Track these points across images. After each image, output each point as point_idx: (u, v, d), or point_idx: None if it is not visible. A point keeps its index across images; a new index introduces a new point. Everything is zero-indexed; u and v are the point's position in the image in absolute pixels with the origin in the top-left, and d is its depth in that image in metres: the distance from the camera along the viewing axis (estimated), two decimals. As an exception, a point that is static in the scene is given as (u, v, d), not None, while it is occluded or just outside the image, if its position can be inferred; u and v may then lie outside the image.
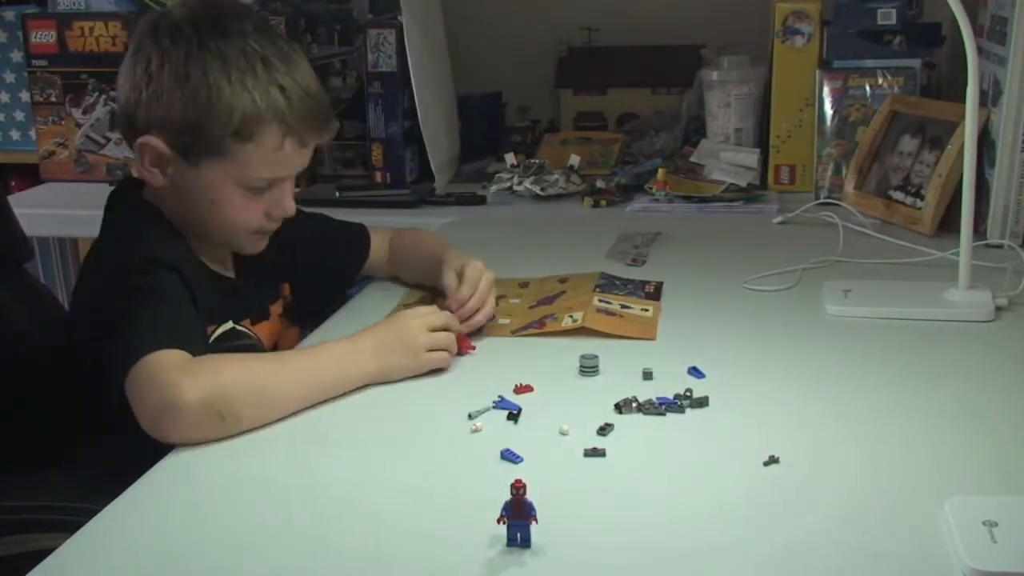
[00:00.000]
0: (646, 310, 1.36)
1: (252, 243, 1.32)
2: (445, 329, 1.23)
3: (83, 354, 1.25)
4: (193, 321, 1.17)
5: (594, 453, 1.00)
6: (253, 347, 1.32)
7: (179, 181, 1.23)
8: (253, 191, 1.25)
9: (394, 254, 1.54)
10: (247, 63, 1.20)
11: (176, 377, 1.04)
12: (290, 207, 1.29)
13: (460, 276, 1.34)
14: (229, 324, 1.30)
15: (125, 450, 1.22)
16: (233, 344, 1.29)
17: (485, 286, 1.33)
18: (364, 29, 2.09)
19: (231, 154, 1.21)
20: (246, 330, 1.33)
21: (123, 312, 1.11)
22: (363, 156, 2.16)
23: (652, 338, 1.28)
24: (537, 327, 1.32)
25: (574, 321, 1.30)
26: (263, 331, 1.36)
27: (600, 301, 1.36)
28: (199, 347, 1.12)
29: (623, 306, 1.36)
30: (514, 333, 1.32)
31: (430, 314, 1.24)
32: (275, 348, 1.38)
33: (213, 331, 1.26)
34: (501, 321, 1.35)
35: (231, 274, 1.36)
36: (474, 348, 1.26)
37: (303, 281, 1.47)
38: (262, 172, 1.24)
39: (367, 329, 1.21)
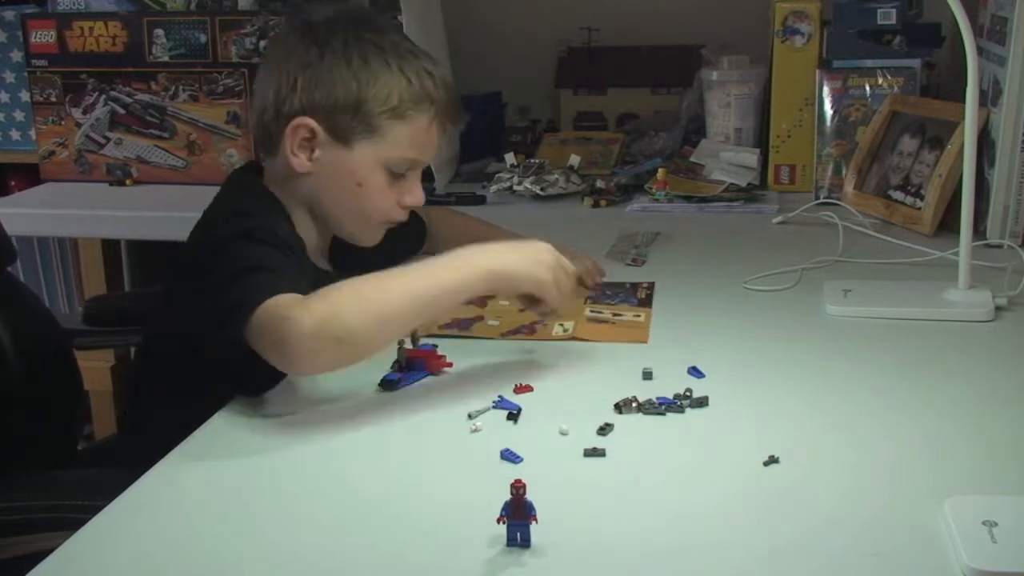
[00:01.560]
0: (638, 316, 1.35)
1: (376, 233, 1.37)
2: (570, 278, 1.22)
3: (185, 321, 1.26)
4: (305, 278, 1.17)
5: (594, 453, 1.00)
6: None
7: (326, 163, 1.30)
8: (395, 176, 1.32)
9: (434, 235, 1.58)
10: (401, 52, 1.31)
11: (290, 311, 1.07)
12: (420, 197, 1.36)
13: None
14: None
15: (125, 451, 1.23)
16: None
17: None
18: (364, 29, 2.09)
19: (385, 133, 1.29)
20: None
21: (236, 271, 1.14)
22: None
23: (644, 342, 1.28)
24: (527, 332, 1.31)
25: (565, 331, 1.30)
26: None
27: (591, 311, 1.36)
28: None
29: (615, 314, 1.36)
30: (503, 336, 1.31)
31: (563, 257, 1.22)
32: None
33: None
34: (490, 322, 1.35)
35: (328, 268, 1.39)
36: (451, 365, 1.23)
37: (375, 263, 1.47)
38: (409, 152, 1.31)
39: (505, 256, 1.20)
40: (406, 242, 1.52)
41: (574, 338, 1.28)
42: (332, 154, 1.29)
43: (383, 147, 1.30)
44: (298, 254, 1.25)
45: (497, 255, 1.18)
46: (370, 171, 1.31)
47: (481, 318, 1.36)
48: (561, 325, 1.31)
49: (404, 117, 1.30)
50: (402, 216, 1.37)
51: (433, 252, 1.48)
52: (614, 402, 1.09)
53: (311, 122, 1.28)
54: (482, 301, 1.41)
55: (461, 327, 1.33)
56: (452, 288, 1.15)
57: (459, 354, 1.25)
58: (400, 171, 1.32)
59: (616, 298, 1.42)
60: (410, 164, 1.33)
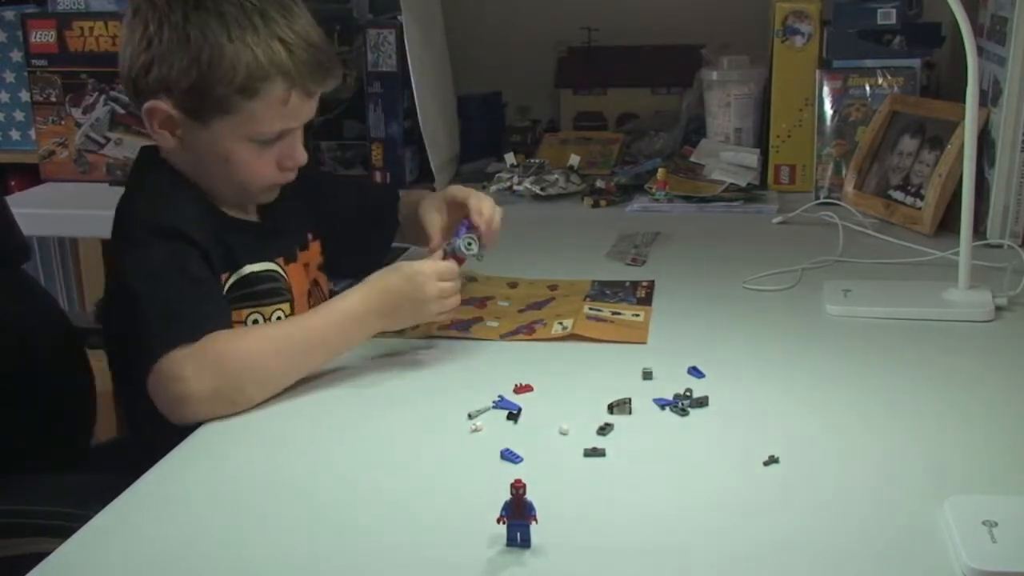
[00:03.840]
0: (637, 315, 1.35)
1: (266, 195, 1.33)
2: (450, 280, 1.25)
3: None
4: (200, 293, 1.19)
5: (594, 453, 1.00)
6: (280, 291, 1.32)
7: (190, 141, 1.25)
8: (263, 144, 1.26)
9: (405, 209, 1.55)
10: (246, 18, 1.21)
11: (186, 371, 1.10)
12: (301, 156, 1.30)
13: (442, 209, 1.40)
14: (265, 264, 1.31)
15: (124, 454, 1.23)
16: (261, 287, 1.30)
17: (476, 199, 1.37)
18: (364, 29, 2.09)
19: (238, 111, 1.22)
20: (279, 270, 1.33)
21: (138, 308, 1.15)
22: (363, 156, 2.16)
23: (643, 341, 1.28)
24: (526, 332, 1.31)
25: (564, 328, 1.30)
26: (293, 272, 1.36)
27: (591, 309, 1.36)
28: (209, 322, 1.15)
29: (614, 312, 1.36)
30: (503, 337, 1.31)
31: (438, 263, 1.26)
32: (307, 294, 1.38)
33: (239, 269, 1.28)
34: (490, 323, 1.34)
35: (254, 218, 1.36)
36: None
37: (336, 238, 1.46)
38: (270, 126, 1.25)
39: (376, 279, 1.24)
40: (383, 217, 1.52)
41: (573, 336, 1.28)
42: (192, 132, 1.24)
43: (240, 124, 1.23)
44: (203, 226, 1.23)
45: (387, 319, 1.23)
46: (232, 146, 1.24)
47: (480, 319, 1.36)
48: (560, 323, 1.31)
49: (255, 93, 1.21)
50: (287, 178, 1.31)
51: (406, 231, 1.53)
52: (608, 403, 1.09)
53: (163, 105, 1.22)
54: (482, 303, 1.41)
55: (460, 328, 1.33)
56: (340, 350, 1.21)
57: (459, 354, 1.25)
58: (270, 140, 1.26)
59: (615, 296, 1.42)
60: (277, 134, 1.26)
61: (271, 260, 1.32)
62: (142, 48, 1.22)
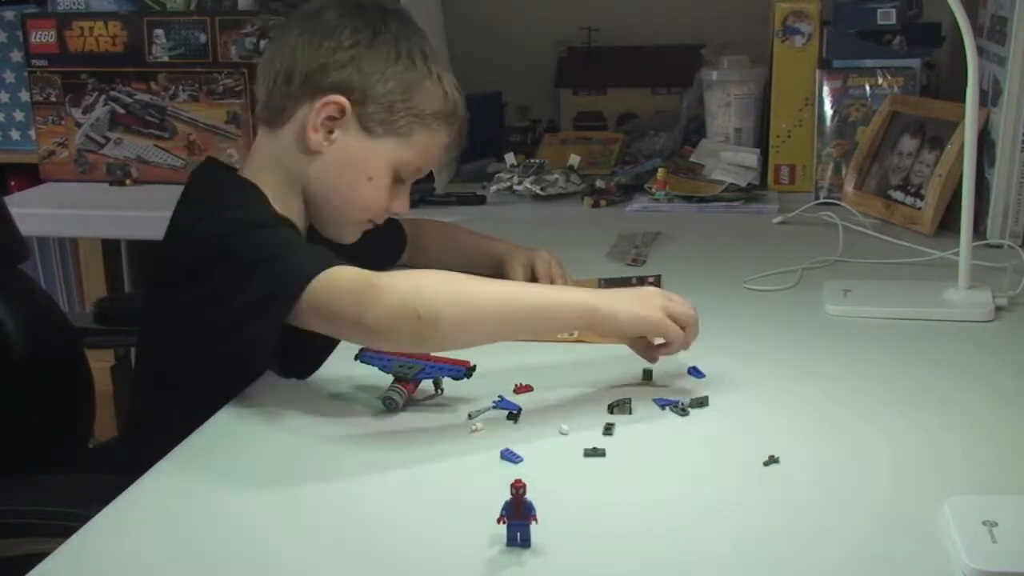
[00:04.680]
0: None
1: (356, 231, 1.33)
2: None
3: (184, 329, 1.23)
4: (332, 254, 1.13)
5: (594, 453, 1.00)
6: None
7: (342, 148, 1.25)
8: (397, 180, 1.30)
9: (416, 243, 1.54)
10: (439, 62, 1.30)
11: (371, 277, 1.06)
12: (406, 207, 1.34)
13: (530, 270, 1.41)
14: None
15: (124, 454, 1.22)
16: None
17: (561, 276, 1.40)
18: (364, 29, 2.09)
19: (410, 137, 1.27)
20: None
21: (255, 261, 1.10)
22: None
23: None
24: None
25: (570, 333, 1.29)
26: None
27: None
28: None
29: None
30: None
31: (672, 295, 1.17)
32: None
33: None
34: None
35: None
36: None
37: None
38: (421, 161, 1.31)
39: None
40: (381, 247, 1.47)
41: (580, 340, 1.28)
42: (352, 141, 1.26)
43: (403, 149, 1.27)
44: (297, 233, 1.23)
45: (604, 295, 1.15)
46: (383, 168, 1.28)
47: None
48: None
49: (430, 127, 1.28)
50: (382, 220, 1.34)
51: (414, 264, 1.49)
52: (608, 403, 1.09)
53: (345, 102, 1.24)
54: None
55: None
56: (547, 306, 1.12)
57: (459, 354, 1.25)
58: (406, 177, 1.31)
59: None
60: (413, 173, 1.32)
61: None
62: (342, 45, 1.24)
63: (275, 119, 1.27)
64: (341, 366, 1.23)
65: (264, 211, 1.22)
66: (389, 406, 1.10)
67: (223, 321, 1.11)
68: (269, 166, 1.28)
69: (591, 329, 1.15)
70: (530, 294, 1.16)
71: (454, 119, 1.30)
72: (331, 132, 1.25)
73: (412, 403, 1.12)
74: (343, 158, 1.26)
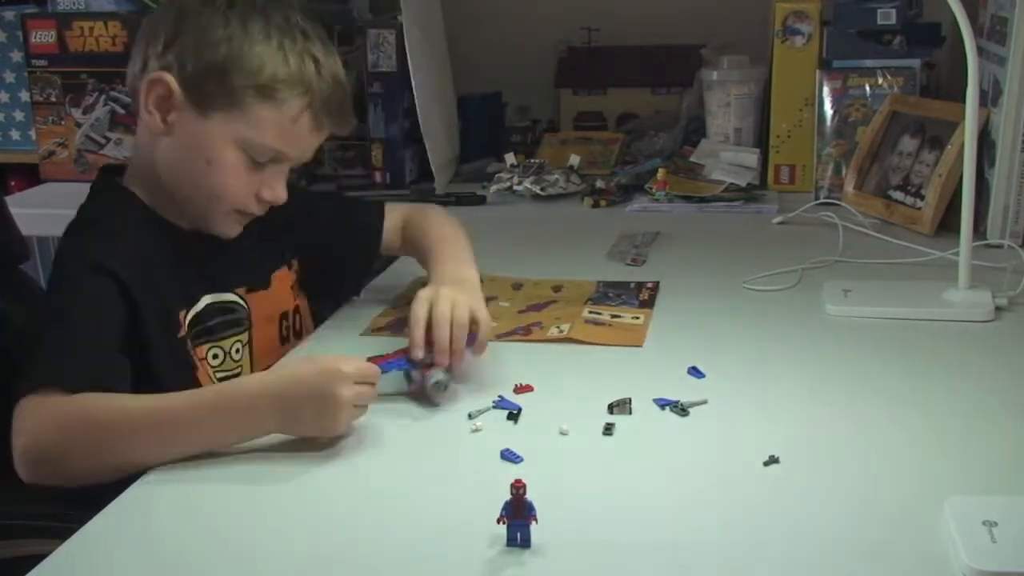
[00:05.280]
0: (637, 318, 1.35)
1: (228, 224, 1.25)
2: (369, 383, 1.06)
3: None
4: (100, 345, 1.10)
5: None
6: (238, 322, 1.28)
7: (180, 131, 1.18)
8: (252, 162, 1.20)
9: (405, 235, 1.47)
10: (288, 29, 1.19)
11: (25, 423, 1.02)
12: (281, 194, 1.24)
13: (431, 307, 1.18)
14: (223, 296, 1.26)
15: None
16: (219, 320, 1.25)
17: (444, 333, 1.15)
18: (364, 29, 2.09)
19: (245, 110, 1.17)
20: (239, 300, 1.28)
21: (39, 332, 1.11)
22: (363, 156, 2.16)
23: (639, 344, 1.27)
24: (523, 333, 1.31)
25: (560, 332, 1.29)
26: (260, 300, 1.31)
27: (590, 312, 1.36)
28: (99, 377, 1.06)
29: (613, 316, 1.35)
30: (499, 337, 1.30)
31: (361, 364, 1.07)
32: (278, 320, 1.34)
33: (194, 305, 1.23)
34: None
35: (231, 233, 1.28)
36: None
37: (316, 257, 1.41)
38: (270, 140, 1.19)
39: (286, 368, 1.14)
40: (353, 233, 1.44)
41: (569, 339, 1.28)
42: (187, 120, 1.17)
43: (241, 125, 1.17)
44: (148, 261, 1.18)
45: (285, 420, 1.03)
46: (222, 148, 1.18)
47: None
48: (557, 327, 1.31)
49: (271, 98, 1.17)
50: (258, 210, 1.24)
51: (408, 249, 1.45)
52: (608, 403, 1.09)
53: (168, 77, 1.16)
54: None
55: None
56: (211, 438, 1.03)
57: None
58: (260, 159, 1.20)
59: (618, 299, 1.41)
60: (272, 154, 1.20)
61: (230, 290, 1.28)
62: (172, 19, 1.18)
63: (136, 111, 1.22)
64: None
65: (101, 244, 1.17)
66: (440, 387, 1.12)
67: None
68: (136, 158, 1.26)
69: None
70: (193, 439, 1.03)
71: (302, 87, 1.18)
72: (168, 113, 1.18)
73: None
74: (183, 140, 1.19)
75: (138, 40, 1.23)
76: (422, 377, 1.13)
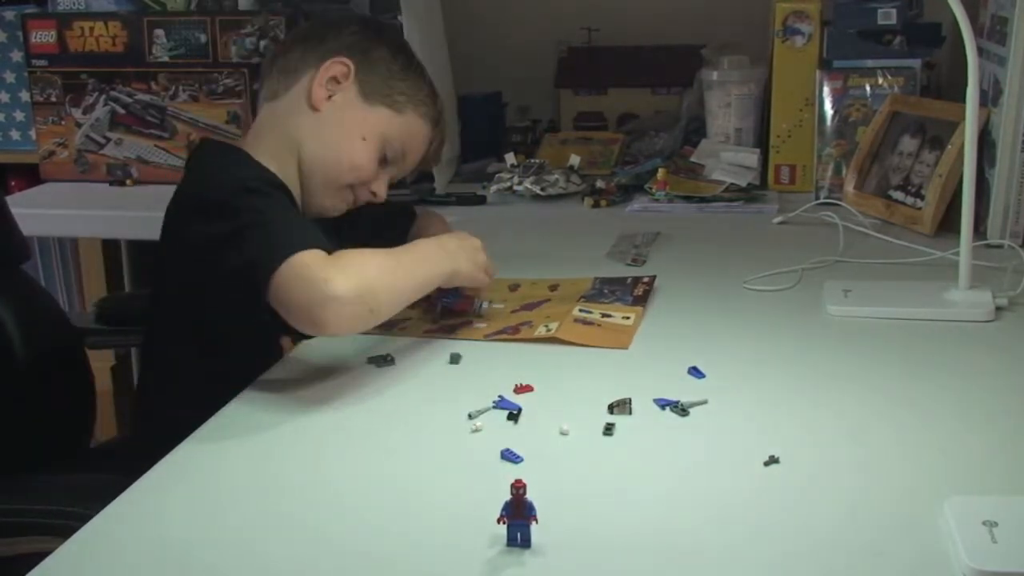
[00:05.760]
0: (627, 318, 1.33)
1: (339, 199, 1.40)
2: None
3: (179, 283, 1.31)
4: (317, 228, 1.22)
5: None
6: None
7: (339, 108, 1.36)
8: (383, 159, 1.39)
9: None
10: (428, 79, 1.46)
11: (328, 272, 1.12)
12: (383, 193, 1.42)
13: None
14: None
15: (124, 454, 1.22)
16: None
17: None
18: (364, 29, 2.09)
19: (402, 113, 1.39)
20: None
21: (251, 223, 1.18)
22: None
23: (625, 347, 1.26)
24: (510, 333, 1.30)
25: (548, 331, 1.29)
26: None
27: (580, 311, 1.35)
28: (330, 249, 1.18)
29: (604, 315, 1.34)
30: (486, 337, 1.30)
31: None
32: None
33: None
34: (477, 325, 1.34)
35: None
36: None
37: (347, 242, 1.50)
38: (405, 144, 1.41)
39: (446, 234, 1.38)
40: (392, 231, 1.54)
41: (554, 339, 1.27)
42: (350, 103, 1.36)
43: (394, 123, 1.38)
44: (293, 200, 1.31)
45: (454, 262, 1.29)
46: (375, 134, 1.37)
47: (470, 322, 1.35)
48: (546, 326, 1.30)
49: (420, 113, 1.41)
50: (365, 197, 1.42)
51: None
52: (608, 403, 1.09)
53: (351, 64, 1.35)
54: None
55: (447, 330, 1.32)
56: (436, 280, 1.27)
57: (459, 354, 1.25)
58: (390, 155, 1.40)
59: (612, 296, 1.41)
60: (397, 155, 1.40)
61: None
62: (346, 32, 1.40)
63: (281, 87, 1.37)
64: (338, 365, 1.23)
65: (263, 175, 1.28)
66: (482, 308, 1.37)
67: (216, 280, 1.19)
68: (267, 133, 1.37)
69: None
70: (419, 274, 1.25)
71: (435, 124, 1.44)
72: (331, 96, 1.36)
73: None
74: (340, 116, 1.36)
75: (304, 31, 1.49)
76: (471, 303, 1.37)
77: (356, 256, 1.17)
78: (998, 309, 1.33)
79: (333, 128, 1.36)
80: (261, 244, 1.15)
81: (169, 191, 1.34)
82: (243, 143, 1.38)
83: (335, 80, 1.36)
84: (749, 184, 1.95)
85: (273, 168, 1.33)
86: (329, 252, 1.15)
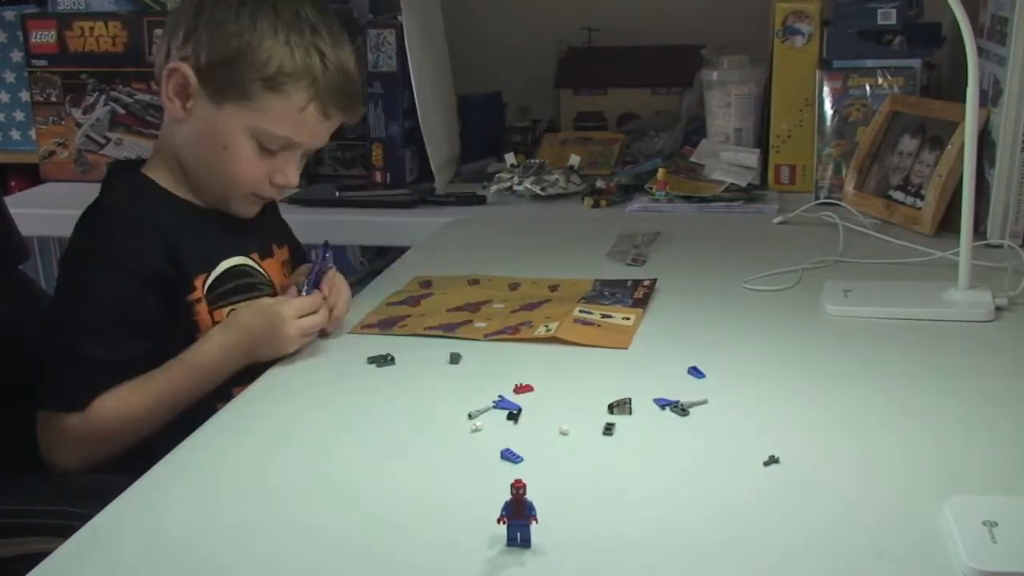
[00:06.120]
0: (627, 318, 1.33)
1: (245, 205, 1.35)
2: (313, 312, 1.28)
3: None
4: (114, 341, 1.23)
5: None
6: (258, 285, 1.36)
7: (197, 117, 1.28)
8: (264, 150, 1.29)
9: None
10: (297, 23, 1.27)
11: (56, 451, 1.23)
12: (293, 178, 1.33)
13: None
14: (237, 259, 1.34)
15: (124, 454, 1.22)
16: (239, 283, 1.33)
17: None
18: (364, 29, 2.09)
19: (255, 101, 1.26)
20: (255, 266, 1.37)
21: (68, 321, 1.24)
22: (363, 156, 2.16)
23: (625, 347, 1.26)
24: (510, 333, 1.30)
25: (548, 331, 1.29)
26: (270, 267, 1.40)
27: (581, 311, 1.35)
28: (106, 377, 1.22)
29: (604, 315, 1.34)
30: (486, 337, 1.30)
31: (297, 301, 1.27)
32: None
33: (215, 267, 1.32)
34: (477, 324, 1.34)
35: (249, 214, 1.38)
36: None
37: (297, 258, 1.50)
38: (279, 129, 1.28)
39: (235, 320, 1.28)
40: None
41: (554, 338, 1.27)
42: (203, 108, 1.27)
43: (252, 115, 1.26)
44: (171, 243, 1.26)
45: (250, 356, 1.26)
46: (236, 136, 1.27)
47: (470, 321, 1.35)
48: (545, 326, 1.30)
49: (278, 90, 1.26)
50: (273, 194, 1.35)
51: None
52: (608, 403, 1.09)
53: (185, 68, 1.25)
54: (476, 307, 1.39)
55: (447, 329, 1.32)
56: (205, 391, 1.25)
57: (459, 354, 1.25)
58: (271, 147, 1.29)
59: (612, 298, 1.41)
60: (283, 142, 1.29)
61: (246, 255, 1.36)
62: (192, 13, 1.27)
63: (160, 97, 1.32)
64: (338, 365, 1.23)
65: (126, 248, 1.26)
66: None
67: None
68: (163, 147, 1.34)
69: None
70: (190, 395, 1.25)
71: (308, 79, 1.26)
72: (188, 100, 1.27)
73: None
74: (200, 127, 1.28)
75: (163, 32, 1.33)
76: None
77: (110, 413, 1.21)
78: (998, 309, 1.33)
79: (197, 140, 1.29)
80: (50, 368, 1.23)
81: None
82: (150, 158, 1.36)
83: (181, 87, 1.27)
84: (749, 184, 1.95)
85: (169, 186, 1.32)
86: (88, 403, 1.21)
